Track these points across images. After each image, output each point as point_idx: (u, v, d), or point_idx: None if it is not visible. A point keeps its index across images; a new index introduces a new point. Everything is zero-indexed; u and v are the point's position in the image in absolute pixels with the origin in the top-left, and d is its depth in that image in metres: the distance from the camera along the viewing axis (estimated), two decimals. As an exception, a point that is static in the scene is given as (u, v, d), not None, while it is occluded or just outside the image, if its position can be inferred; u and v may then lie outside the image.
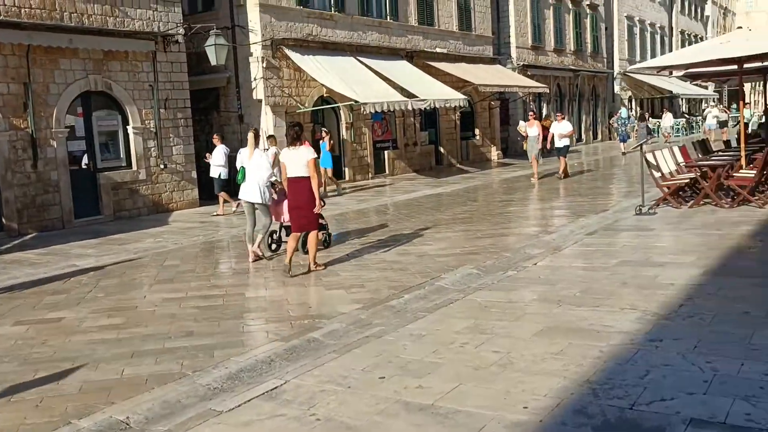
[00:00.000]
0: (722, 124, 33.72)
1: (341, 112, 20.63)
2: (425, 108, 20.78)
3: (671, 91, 46.84)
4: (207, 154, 15.38)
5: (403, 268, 8.43)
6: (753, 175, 11.84)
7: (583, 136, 37.31)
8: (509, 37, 30.52)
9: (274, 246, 9.90)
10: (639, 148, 11.61)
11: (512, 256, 8.71)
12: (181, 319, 6.68)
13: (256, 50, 18.23)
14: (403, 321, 6.13)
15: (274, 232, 9.96)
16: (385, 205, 15.46)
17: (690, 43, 58.37)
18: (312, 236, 8.47)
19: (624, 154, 27.40)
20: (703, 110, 44.35)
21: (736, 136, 25.92)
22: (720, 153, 16.41)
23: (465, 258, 8.79)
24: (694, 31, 57.34)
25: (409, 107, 19.71)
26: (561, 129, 19.16)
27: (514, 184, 18.31)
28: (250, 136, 9.57)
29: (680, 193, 12.49)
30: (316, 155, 8.48)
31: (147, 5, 15.45)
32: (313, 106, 19.83)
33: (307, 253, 8.71)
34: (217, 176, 14.94)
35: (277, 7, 18.57)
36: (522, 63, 30.68)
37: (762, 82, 16.67)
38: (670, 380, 4.34)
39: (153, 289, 8.14)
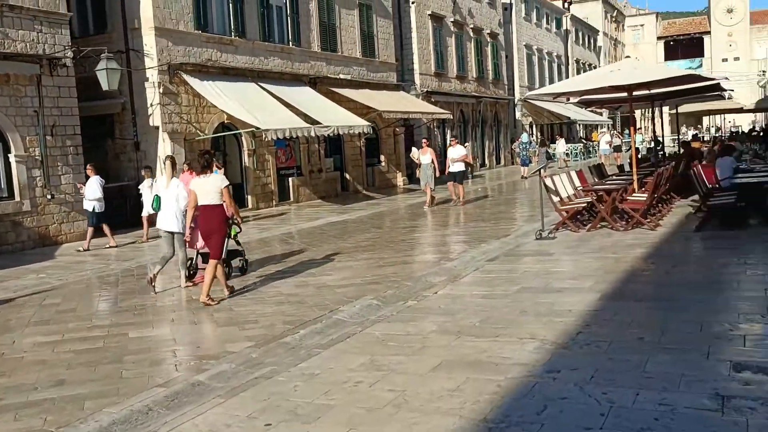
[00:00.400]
0: (616, 149, 34.60)
1: (243, 138, 20.15)
2: (329, 134, 20.57)
3: (569, 117, 48.66)
4: (79, 185, 14.56)
5: (301, 301, 8.09)
6: (645, 199, 12.19)
7: (487, 161, 38.07)
8: (413, 63, 30.85)
9: (189, 273, 9.50)
10: (538, 173, 11.76)
11: (413, 285, 8.52)
12: (53, 366, 6.10)
13: (153, 75, 17.56)
14: (297, 359, 5.80)
15: (191, 259, 9.64)
16: (288, 234, 15.08)
17: (584, 71, 61.05)
18: (211, 265, 8.22)
19: (525, 178, 28.09)
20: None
21: (629, 160, 27.19)
22: (615, 177, 16.94)
23: (365, 288, 8.54)
24: (588, 60, 59.98)
25: (313, 134, 19.46)
26: (454, 154, 18.94)
27: (419, 211, 18.29)
28: (168, 163, 9.34)
29: (578, 216, 12.72)
30: (228, 183, 8.43)
31: (30, 27, 14.62)
32: (214, 133, 19.28)
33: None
34: (91, 210, 13.98)
35: (174, 31, 18.00)
36: (426, 89, 31.07)
37: (650, 109, 17.36)
38: (567, 415, 4.20)
39: (25, 333, 7.46)
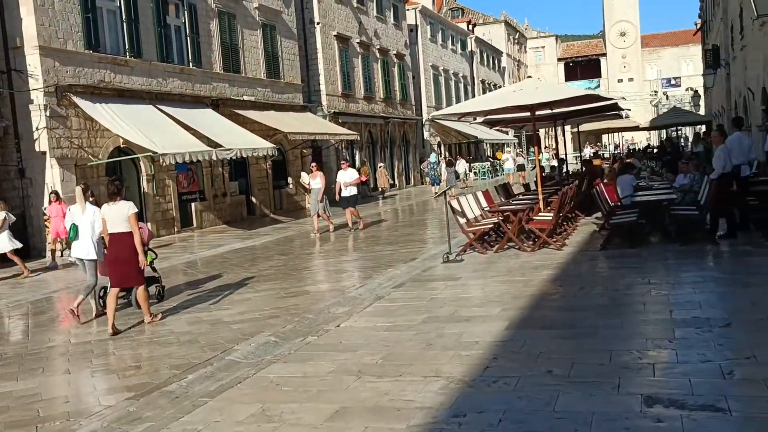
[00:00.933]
0: (520, 168, 34.74)
1: (141, 163, 19.19)
2: (232, 157, 19.87)
3: (476, 137, 49.47)
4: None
5: (192, 340, 7.46)
6: (550, 218, 12.16)
7: (396, 182, 38.03)
8: (319, 84, 30.51)
9: (103, 303, 9.17)
10: (443, 194, 11.53)
11: (315, 317, 8.04)
12: None
13: (38, 97, 16.47)
14: (180, 411, 5.20)
15: (104, 287, 9.15)
16: (188, 263, 14.29)
17: (490, 91, 62.38)
18: (141, 291, 8.40)
19: (437, 197, 28.14)
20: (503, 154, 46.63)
21: (534, 179, 27.64)
22: (521, 196, 17.02)
23: (264, 323, 7.98)
24: (493, 81, 61.37)
25: (215, 157, 18.72)
26: (346, 177, 17.84)
27: (327, 234, 17.82)
28: (78, 191, 9.07)
29: (485, 237, 12.56)
30: (136, 210, 8.34)
31: None
32: (109, 158, 18.25)
33: (140, 308, 8.58)
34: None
35: (62, 51, 16.95)
36: (333, 110, 30.75)
37: (553, 128, 17.58)
38: (473, 469, 3.81)
39: None
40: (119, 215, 8.08)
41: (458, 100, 50.91)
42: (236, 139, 20.18)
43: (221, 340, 7.37)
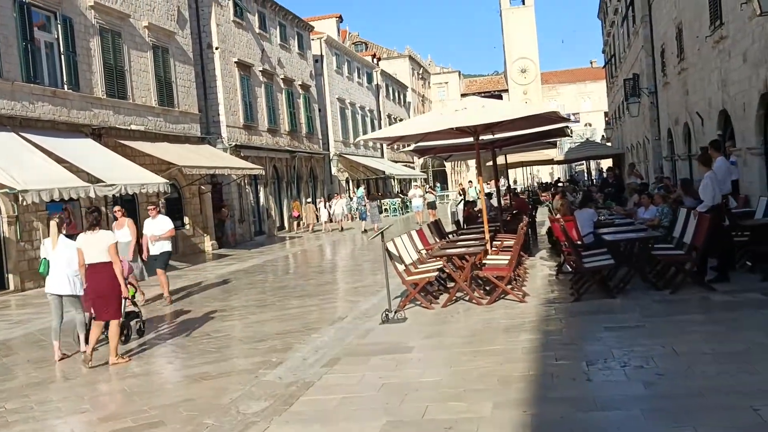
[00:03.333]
0: (431, 205, 32.00)
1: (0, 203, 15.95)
2: (116, 194, 16.90)
3: (384, 171, 47.74)
4: None
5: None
6: (506, 264, 10.09)
7: (303, 220, 35.48)
8: (219, 114, 27.81)
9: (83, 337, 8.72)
10: (381, 235, 9.25)
11: (217, 423, 5.48)
12: None
13: None
14: None
15: (84, 324, 8.70)
16: (44, 331, 11.18)
17: (397, 127, 61.01)
18: (114, 326, 8.09)
19: (365, 231, 26.79)
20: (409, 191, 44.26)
21: (464, 215, 25.43)
22: (454, 236, 14.99)
23: (140, 437, 5.37)
24: (398, 115, 60.10)
25: (93, 194, 15.72)
26: (155, 228, 13.30)
27: (230, 285, 15.13)
28: (52, 224, 9.01)
29: (427, 287, 10.32)
30: (116, 240, 8.31)
31: None
32: (-42, 196, 14.96)
33: (126, 342, 8.65)
34: None
35: None
36: (234, 143, 28.06)
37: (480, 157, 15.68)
38: None
39: None
40: (99, 245, 7.95)
41: (365, 134, 49.12)
42: (121, 174, 17.26)
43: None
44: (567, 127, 13.01)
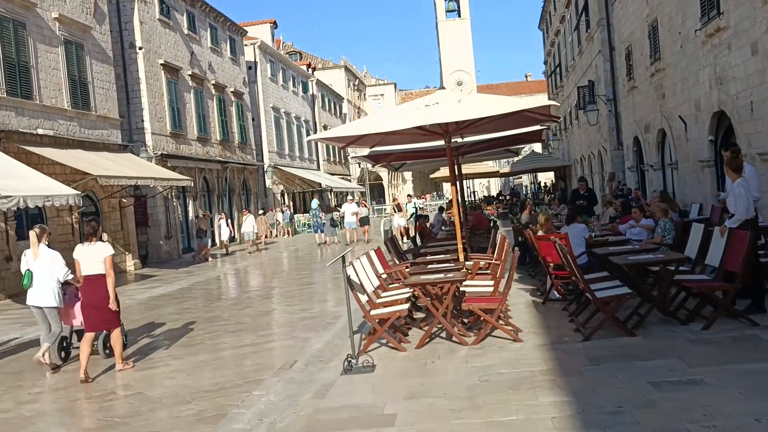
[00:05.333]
0: (364, 221, 28.38)
1: None
2: (13, 208, 14.38)
3: (320, 184, 45.67)
4: None
5: None
6: (492, 291, 8.26)
7: (236, 235, 33.09)
8: (143, 121, 25.27)
9: (64, 354, 8.82)
10: (341, 260, 7.27)
11: None
12: None
13: None
14: None
15: (65, 337, 8.80)
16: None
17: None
18: (117, 334, 8.11)
19: (320, 245, 25.77)
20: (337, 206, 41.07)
21: (388, 232, 23.73)
22: (412, 255, 13.15)
23: None
24: (335, 126, 58.16)
25: (-18, 208, 13.22)
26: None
27: (152, 314, 12.84)
28: (33, 234, 8.49)
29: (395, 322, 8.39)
30: (113, 252, 8.11)
31: None
32: None
33: (110, 355, 8.46)
34: None
35: None
36: (160, 152, 25.57)
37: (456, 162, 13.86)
38: None
39: None
40: (96, 257, 7.88)
41: (300, 146, 47.02)
42: (23, 184, 14.74)
43: None
44: (548, 128, 11.38)
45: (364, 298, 8.09)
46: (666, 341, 6.80)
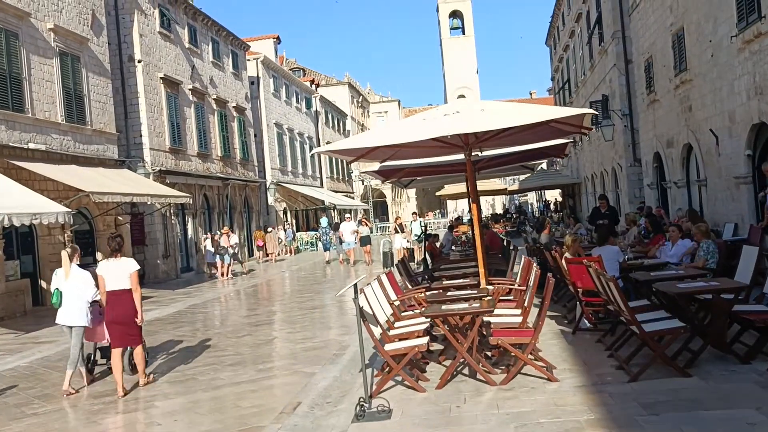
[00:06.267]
0: (365, 241, 25.95)
1: None
2: (3, 227, 13.55)
3: (324, 201, 44.82)
4: None
5: None
6: (520, 323, 7.36)
7: (238, 254, 32.19)
8: (141, 136, 24.48)
9: (91, 369, 8.82)
10: (354, 290, 6.38)
11: None
12: None
13: None
14: None
15: (90, 354, 8.87)
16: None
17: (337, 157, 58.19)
18: (139, 350, 8.25)
19: (328, 262, 24.86)
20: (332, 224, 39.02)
21: (387, 254, 22.43)
22: (428, 278, 12.28)
23: None
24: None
25: (-35, 226, 12.36)
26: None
27: (146, 339, 11.91)
28: (64, 254, 8.54)
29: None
30: (138, 267, 8.14)
31: None
32: None
33: (133, 372, 8.55)
34: None
35: None
36: (159, 168, 24.76)
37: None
38: None
39: None
40: (121, 272, 7.93)
41: (304, 163, 46.24)
42: (10, 201, 13.88)
43: None
44: (574, 141, 10.52)
45: (377, 331, 7.18)
46: (730, 384, 5.88)
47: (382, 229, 52.75)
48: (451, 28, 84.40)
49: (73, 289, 8.35)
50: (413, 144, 8.73)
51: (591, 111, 7.24)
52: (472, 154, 9.44)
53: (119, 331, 7.95)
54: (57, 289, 8.47)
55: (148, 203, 21.89)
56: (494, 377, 6.76)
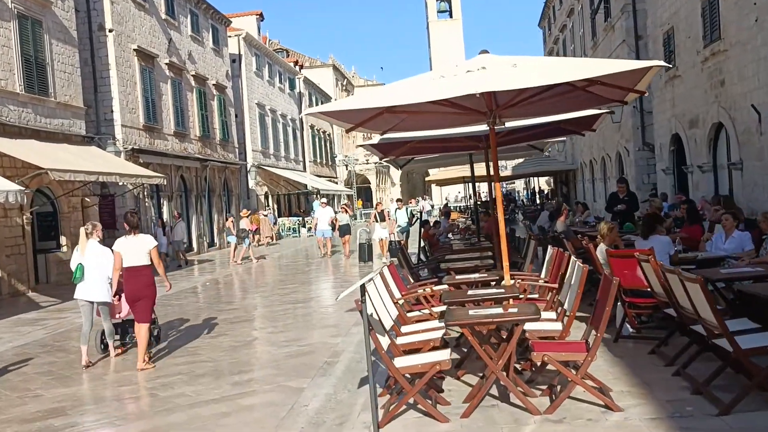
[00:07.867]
0: (344, 230, 22.69)
1: None
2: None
3: (306, 185, 43.19)
4: None
5: None
6: (561, 331, 5.89)
7: (216, 241, 30.53)
8: (112, 112, 22.65)
9: (102, 346, 8.93)
10: (360, 288, 4.86)
11: None
12: None
13: None
14: None
15: (101, 331, 8.86)
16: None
17: (320, 139, 56.58)
18: (145, 330, 8.13)
19: (324, 255, 22.53)
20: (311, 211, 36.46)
21: (364, 246, 19.87)
22: (428, 270, 10.80)
23: None
24: (323, 128, 55.70)
25: None
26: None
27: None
28: (82, 230, 8.73)
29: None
30: (156, 243, 8.31)
31: None
32: None
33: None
34: None
35: None
36: (131, 147, 22.98)
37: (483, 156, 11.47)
38: None
39: None
40: (139, 248, 8.05)
41: (286, 145, 44.50)
42: (-47, 178, 12.19)
43: None
44: (612, 112, 9.06)
45: (385, 342, 5.65)
46: None
47: (367, 216, 51.23)
48: (439, 11, 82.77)
49: (96, 265, 8.41)
50: (425, 111, 7.22)
51: (662, 63, 5.70)
52: (497, 122, 7.86)
53: (141, 306, 8.10)
54: (80, 263, 8.49)
55: (120, 183, 20.21)
56: (534, 401, 5.29)
